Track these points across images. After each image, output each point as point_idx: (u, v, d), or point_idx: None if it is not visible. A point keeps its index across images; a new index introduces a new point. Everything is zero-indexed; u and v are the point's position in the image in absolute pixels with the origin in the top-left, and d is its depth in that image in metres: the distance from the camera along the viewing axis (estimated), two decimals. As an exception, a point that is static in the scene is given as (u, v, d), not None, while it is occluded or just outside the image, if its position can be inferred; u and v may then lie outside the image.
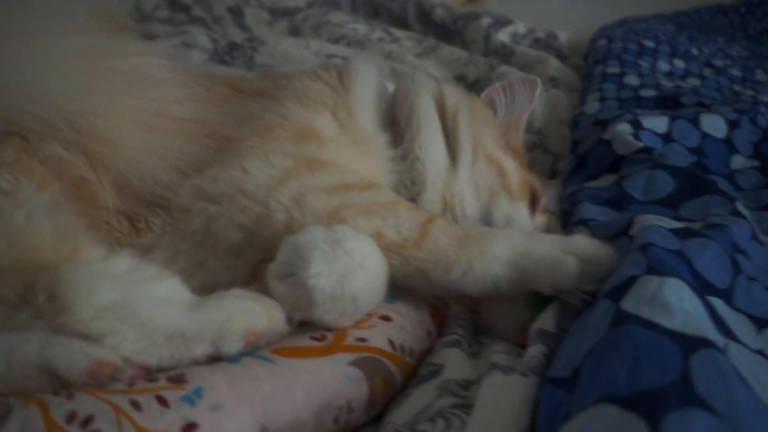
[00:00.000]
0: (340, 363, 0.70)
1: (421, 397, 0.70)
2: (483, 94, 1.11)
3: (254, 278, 0.83)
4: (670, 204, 0.97)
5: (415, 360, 0.79)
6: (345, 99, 0.97)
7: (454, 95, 1.04)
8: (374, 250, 0.76)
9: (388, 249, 0.78)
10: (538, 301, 0.78)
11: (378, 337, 0.76)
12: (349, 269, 0.72)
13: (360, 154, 0.93)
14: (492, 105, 1.11)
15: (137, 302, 0.66)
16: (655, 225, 0.78)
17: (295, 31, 1.90)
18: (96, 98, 0.80)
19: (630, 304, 0.62)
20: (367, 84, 1.02)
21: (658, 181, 0.99)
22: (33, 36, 0.77)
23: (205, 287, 0.76)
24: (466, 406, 0.65)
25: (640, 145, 1.07)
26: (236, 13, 1.97)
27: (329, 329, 0.75)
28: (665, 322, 0.59)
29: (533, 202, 1.01)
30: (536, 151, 1.36)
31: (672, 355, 0.55)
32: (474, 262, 0.76)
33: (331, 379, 0.68)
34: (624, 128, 1.13)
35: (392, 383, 0.74)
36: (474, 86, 1.63)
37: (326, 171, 0.84)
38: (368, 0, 2.10)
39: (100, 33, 0.84)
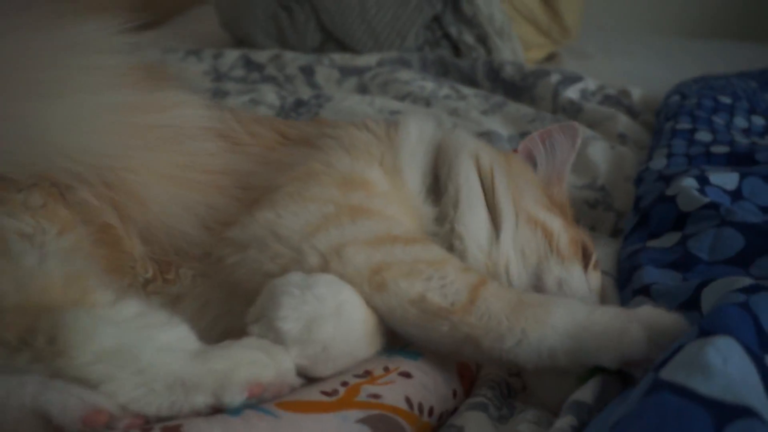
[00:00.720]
0: (348, 420, 0.66)
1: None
2: (520, 146, 1.06)
3: None
4: (740, 263, 0.90)
5: (436, 421, 0.74)
6: (391, 153, 0.94)
7: (488, 157, 0.97)
8: (354, 299, 0.73)
9: (434, 314, 0.73)
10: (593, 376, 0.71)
11: (394, 394, 0.71)
12: (318, 315, 0.70)
13: (406, 212, 0.90)
14: (530, 158, 1.05)
15: (138, 348, 0.64)
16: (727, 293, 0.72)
17: (363, 89, 1.90)
18: (127, 154, 0.80)
19: (668, 370, 0.56)
20: (419, 143, 0.98)
21: (726, 239, 0.92)
22: (67, 92, 0.78)
23: (230, 333, 0.74)
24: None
25: (706, 200, 1.00)
26: (307, 71, 2.00)
27: (343, 384, 0.71)
28: (702, 388, 0.52)
29: (584, 259, 0.94)
30: (599, 208, 1.30)
31: (702, 426, 0.49)
32: (529, 330, 0.70)
33: (335, 438, 0.64)
34: (689, 183, 1.06)
35: (406, 444, 0.69)
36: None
37: (370, 220, 0.81)
38: (438, 59, 2.10)
39: (136, 88, 0.84)
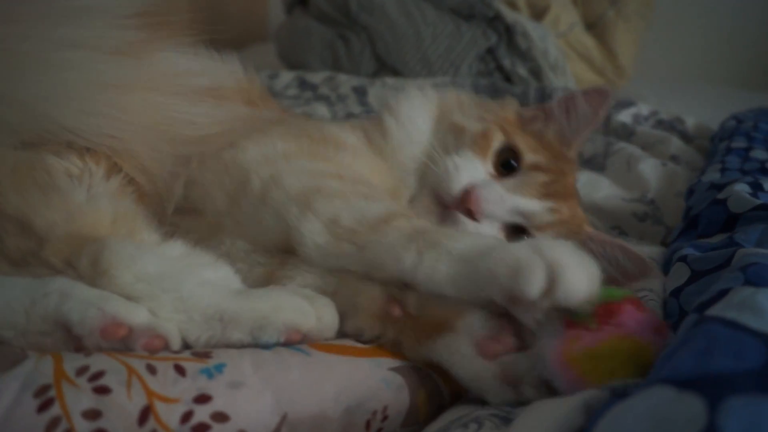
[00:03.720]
0: (381, 366, 0.65)
1: (461, 408, 0.63)
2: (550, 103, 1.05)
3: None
4: None
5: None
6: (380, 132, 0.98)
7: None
8: None
9: (339, 237, 0.71)
10: None
11: (430, 351, 0.70)
12: None
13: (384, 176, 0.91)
14: (551, 112, 1.03)
15: (180, 278, 0.65)
16: (763, 253, 0.69)
17: (413, 108, 1.92)
18: (124, 133, 0.80)
19: (715, 309, 0.54)
20: (411, 121, 0.99)
21: None
22: (52, 69, 0.76)
23: None
24: (505, 420, 0.57)
25: (758, 202, 0.97)
26: (360, 92, 2.03)
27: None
28: (753, 323, 0.51)
29: (517, 161, 0.94)
30: (647, 222, 1.27)
31: (753, 348, 0.47)
32: (424, 251, 0.66)
33: (367, 380, 0.63)
34: (741, 188, 1.03)
35: (439, 399, 0.67)
36: (590, 162, 1.57)
37: (321, 162, 0.83)
38: (491, 84, 2.11)
39: (135, 56, 0.82)
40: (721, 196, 1.03)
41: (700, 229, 1.03)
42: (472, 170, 0.90)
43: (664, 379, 0.44)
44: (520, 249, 0.59)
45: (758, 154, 1.31)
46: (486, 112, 0.99)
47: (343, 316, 0.71)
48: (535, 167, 0.93)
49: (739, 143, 1.37)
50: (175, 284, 0.64)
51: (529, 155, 0.94)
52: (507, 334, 0.63)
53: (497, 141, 0.93)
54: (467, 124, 0.95)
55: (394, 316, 0.69)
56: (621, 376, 0.54)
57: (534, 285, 0.56)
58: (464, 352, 0.64)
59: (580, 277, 0.56)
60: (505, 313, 0.63)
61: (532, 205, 0.90)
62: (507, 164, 0.93)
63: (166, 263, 0.66)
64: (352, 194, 0.75)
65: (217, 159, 0.82)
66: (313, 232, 0.72)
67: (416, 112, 0.98)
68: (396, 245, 0.67)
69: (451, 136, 0.94)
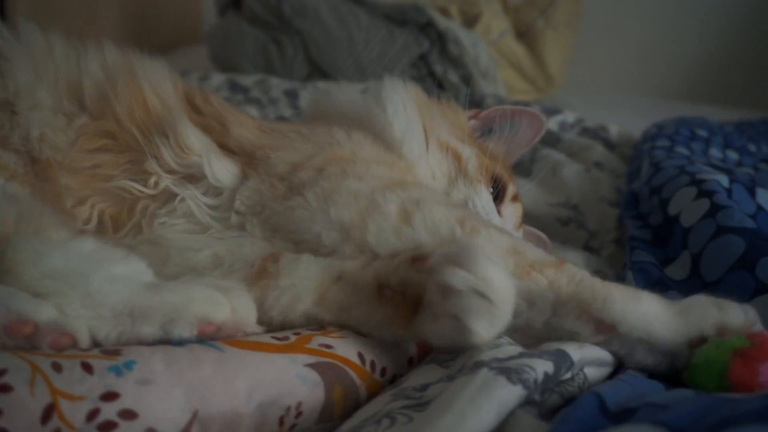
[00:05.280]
0: (296, 363, 0.65)
1: (374, 405, 0.63)
2: (488, 111, 1.07)
3: None
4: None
5: (388, 383, 0.72)
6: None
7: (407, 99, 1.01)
8: None
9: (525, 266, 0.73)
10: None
11: (347, 347, 0.70)
12: None
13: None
14: (489, 123, 1.07)
15: (88, 274, 0.63)
16: None
17: (345, 112, 1.92)
18: None
19: None
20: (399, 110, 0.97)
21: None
22: None
23: None
24: (420, 405, 0.58)
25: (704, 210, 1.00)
26: (291, 95, 2.02)
27: (295, 333, 0.70)
28: None
29: (500, 192, 0.99)
30: (570, 226, 1.30)
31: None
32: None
33: (281, 377, 0.62)
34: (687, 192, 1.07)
35: (355, 397, 0.67)
36: (516, 167, 1.59)
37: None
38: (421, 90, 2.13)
39: None
40: (672, 211, 1.06)
41: (669, 252, 1.03)
42: (494, 212, 0.95)
43: (660, 422, 0.46)
44: None
45: (681, 150, 1.37)
46: (454, 127, 1.01)
47: (348, 307, 0.73)
48: (515, 198, 1.00)
49: (662, 143, 1.43)
50: (84, 280, 0.62)
51: (510, 186, 0.99)
52: None
53: (489, 175, 0.97)
54: (461, 150, 0.96)
55: (386, 297, 0.72)
56: None
57: None
58: (428, 322, 0.67)
59: None
60: None
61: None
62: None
63: (75, 259, 0.64)
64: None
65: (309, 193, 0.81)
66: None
67: (411, 123, 0.95)
68: None
69: (448, 160, 0.95)
